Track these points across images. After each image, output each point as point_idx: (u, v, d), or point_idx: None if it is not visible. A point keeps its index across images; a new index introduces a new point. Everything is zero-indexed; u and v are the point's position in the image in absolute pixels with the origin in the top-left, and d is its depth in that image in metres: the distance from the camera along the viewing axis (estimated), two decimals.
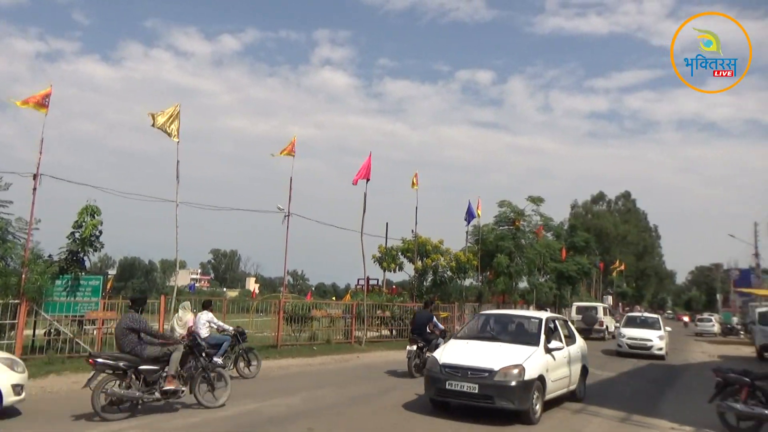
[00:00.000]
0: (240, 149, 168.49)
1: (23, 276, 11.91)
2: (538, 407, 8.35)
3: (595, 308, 30.90)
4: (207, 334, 11.45)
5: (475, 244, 29.44)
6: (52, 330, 12.95)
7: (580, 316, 29.54)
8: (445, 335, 13.59)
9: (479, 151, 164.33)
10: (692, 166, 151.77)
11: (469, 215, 27.29)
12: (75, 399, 8.56)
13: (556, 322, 10.31)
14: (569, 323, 11.17)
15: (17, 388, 7.64)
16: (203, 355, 8.83)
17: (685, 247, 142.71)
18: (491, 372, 8.03)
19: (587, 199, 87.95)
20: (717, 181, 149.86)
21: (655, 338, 20.16)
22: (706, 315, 48.90)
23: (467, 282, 29.76)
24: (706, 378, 10.75)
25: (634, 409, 10.04)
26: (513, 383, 7.93)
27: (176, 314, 12.38)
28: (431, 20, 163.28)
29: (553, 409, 9.76)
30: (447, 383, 8.25)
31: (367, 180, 19.76)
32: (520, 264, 31.26)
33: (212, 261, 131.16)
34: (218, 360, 10.69)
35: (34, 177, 12.25)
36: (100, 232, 13.92)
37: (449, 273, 27.36)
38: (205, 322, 11.72)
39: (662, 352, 20.05)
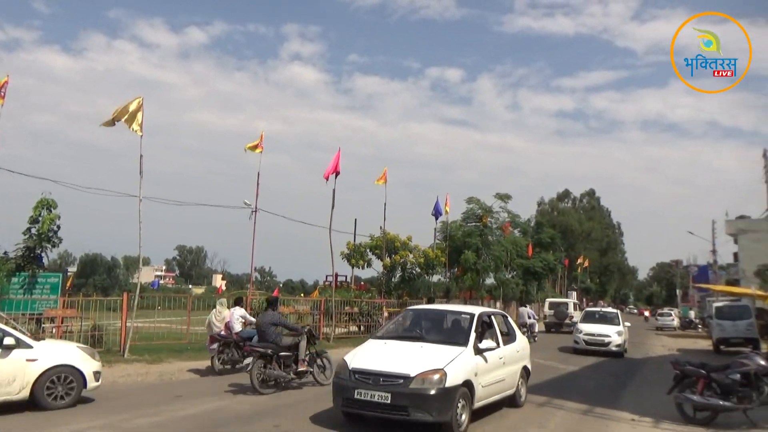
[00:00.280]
0: (206, 144, 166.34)
1: None
2: (463, 418, 7.26)
3: (566, 304, 32.72)
4: (240, 329, 12.23)
5: (443, 241, 29.65)
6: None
7: (552, 311, 31.13)
8: None
9: (448, 148, 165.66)
10: (655, 165, 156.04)
11: (437, 212, 27.45)
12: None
13: (493, 318, 9.05)
14: (508, 319, 9.92)
15: (97, 375, 8.80)
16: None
17: (646, 244, 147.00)
18: (406, 378, 6.94)
19: (553, 197, 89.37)
20: (678, 180, 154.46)
21: (613, 334, 19.08)
22: (666, 310, 50.21)
23: (435, 278, 30.01)
24: (665, 371, 11.05)
25: (596, 402, 10.26)
26: (432, 391, 6.84)
27: (214, 310, 12.95)
28: (401, 17, 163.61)
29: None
30: (356, 392, 7.11)
31: (337, 174, 19.66)
32: (487, 260, 31.65)
33: (177, 257, 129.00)
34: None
35: None
36: (58, 227, 13.48)
37: (417, 269, 27.51)
38: (239, 318, 12.49)
39: (620, 349, 19.05)
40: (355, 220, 27.41)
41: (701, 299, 49.61)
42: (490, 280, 34.90)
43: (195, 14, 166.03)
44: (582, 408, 9.74)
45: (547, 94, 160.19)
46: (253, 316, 12.59)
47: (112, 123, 13.67)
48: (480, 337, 8.08)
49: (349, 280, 27.19)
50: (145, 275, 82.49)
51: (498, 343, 8.49)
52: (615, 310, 23.17)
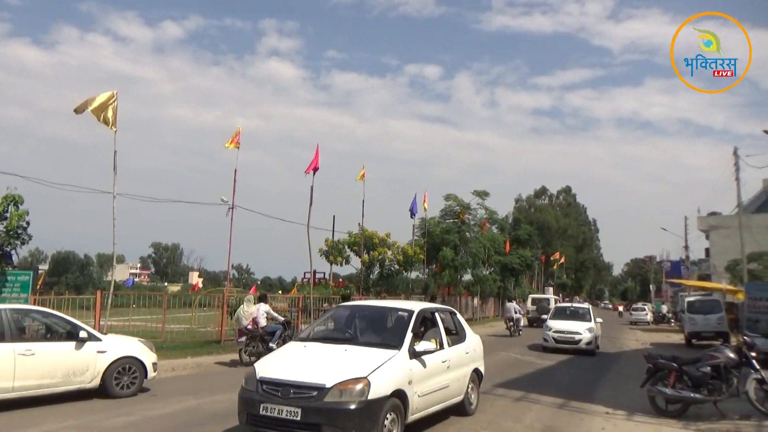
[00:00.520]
0: (182, 140, 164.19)
1: None
2: None
3: (548, 299, 34.28)
4: (265, 323, 13.46)
5: (421, 237, 29.74)
6: None
7: (534, 307, 32.25)
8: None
9: (426, 144, 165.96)
10: (629, 162, 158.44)
11: (413, 209, 27.54)
12: None
13: (437, 315, 7.93)
14: (457, 316, 8.76)
15: (155, 366, 9.66)
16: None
17: (621, 240, 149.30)
18: (321, 390, 5.84)
19: (530, 194, 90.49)
20: (652, 177, 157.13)
21: (584, 331, 18.16)
22: (639, 305, 51.10)
23: (413, 275, 30.11)
24: (638, 364, 11.24)
25: (571, 396, 10.39)
26: (351, 405, 5.80)
27: (242, 306, 14.01)
28: (380, 14, 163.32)
29: (492, 397, 10.01)
30: (262, 406, 5.99)
31: (315, 171, 19.56)
32: (465, 257, 31.83)
33: (153, 255, 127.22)
34: (273, 345, 12.68)
35: None
36: (28, 224, 13.13)
37: (396, 266, 27.56)
38: (264, 313, 13.55)
39: (591, 347, 18.15)
40: (334, 216, 27.34)
41: (674, 294, 50.60)
42: (467, 277, 35.13)
43: (170, 8, 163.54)
44: (557, 402, 9.86)
45: (524, 91, 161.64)
46: (231, 314, 13.12)
47: (82, 110, 13.49)
48: (419, 338, 7.15)
49: (327, 276, 27.14)
50: (120, 273, 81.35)
51: (442, 344, 7.48)
52: (587, 306, 22.44)
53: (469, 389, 8.27)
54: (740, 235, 27.35)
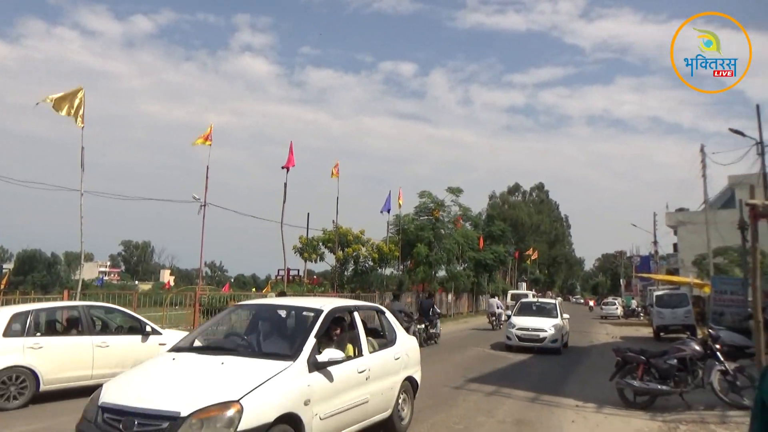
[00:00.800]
0: (153, 136, 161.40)
1: None
2: None
3: (526, 295, 35.26)
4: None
5: (396, 234, 29.78)
6: None
7: (514, 302, 32.72)
8: (439, 316, 19.39)
9: (401, 141, 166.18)
10: (600, 159, 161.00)
11: (387, 206, 27.58)
12: None
13: (356, 315, 6.59)
14: (386, 315, 7.45)
15: None
16: None
17: (592, 236, 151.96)
18: (174, 419, 4.45)
19: (504, 190, 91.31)
20: (622, 174, 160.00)
21: (549, 328, 17.10)
22: (610, 299, 51.97)
23: (388, 271, 30.15)
24: (608, 358, 11.45)
25: (543, 390, 10.53)
26: None
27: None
28: (355, 10, 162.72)
29: (465, 392, 10.10)
30: None
31: (288, 169, 19.47)
32: (439, 253, 31.97)
33: (123, 253, 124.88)
34: None
35: None
36: None
37: (370, 263, 27.56)
38: None
39: (557, 345, 17.02)
40: (308, 213, 27.16)
41: (643, 288, 51.62)
42: (442, 273, 35.29)
43: (141, 2, 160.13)
44: (529, 396, 9.99)
45: (498, 89, 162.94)
46: (204, 312, 12.78)
47: (45, 101, 13.21)
48: (325, 344, 5.81)
49: (301, 274, 26.99)
50: (88, 272, 79.67)
51: (360, 351, 6.26)
52: (553, 301, 21.51)
53: (399, 402, 6.95)
54: (707, 230, 28.06)
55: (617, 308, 44.65)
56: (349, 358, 6.02)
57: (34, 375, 8.63)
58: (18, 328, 8.85)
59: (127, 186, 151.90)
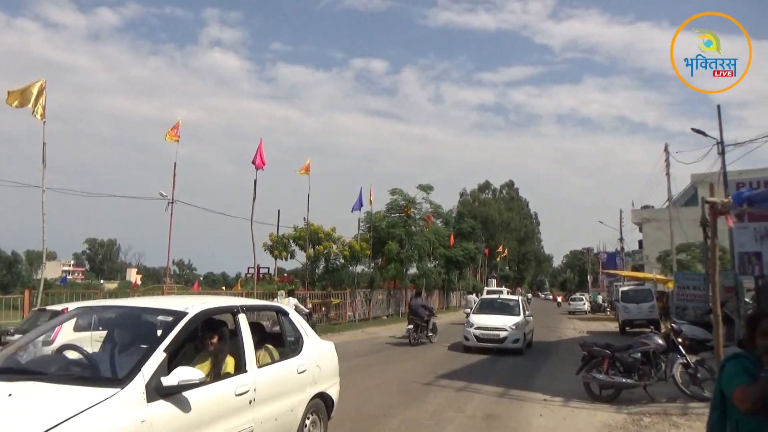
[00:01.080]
0: (120, 132, 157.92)
1: None
2: None
3: (501, 291, 34.88)
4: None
5: (367, 232, 29.78)
6: None
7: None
8: (433, 314, 19.32)
9: (372, 138, 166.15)
10: (569, 157, 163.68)
11: (359, 204, 27.57)
12: None
13: (240, 318, 4.98)
14: (290, 317, 6.04)
15: None
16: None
17: (561, 233, 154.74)
18: None
19: (474, 188, 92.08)
20: (590, 171, 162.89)
21: (510, 327, 15.76)
22: (577, 295, 52.96)
23: (359, 269, 30.14)
24: (575, 352, 11.65)
25: (512, 385, 10.67)
26: None
27: (276, 300, 16.24)
28: (326, 6, 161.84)
29: (436, 388, 10.18)
30: None
31: (258, 166, 19.31)
32: (410, 250, 32.08)
33: (88, 251, 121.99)
34: None
35: None
36: None
37: (341, 260, 27.51)
38: (293, 306, 15.05)
39: (518, 345, 15.68)
40: (279, 211, 27.01)
41: (610, 284, 52.68)
42: (413, 270, 35.47)
43: None
44: (498, 391, 10.10)
45: (469, 87, 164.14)
46: None
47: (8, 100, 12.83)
48: (190, 359, 4.73)
49: (272, 271, 26.79)
50: (51, 270, 77.67)
51: (242, 366, 4.75)
52: (516, 297, 19.85)
53: (307, 426, 5.59)
54: (670, 227, 28.79)
55: (584, 304, 45.49)
56: (225, 375, 4.61)
57: None
58: (86, 324, 8.58)
59: (92, 183, 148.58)
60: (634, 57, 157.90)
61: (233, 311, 5.10)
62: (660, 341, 9.48)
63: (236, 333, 4.95)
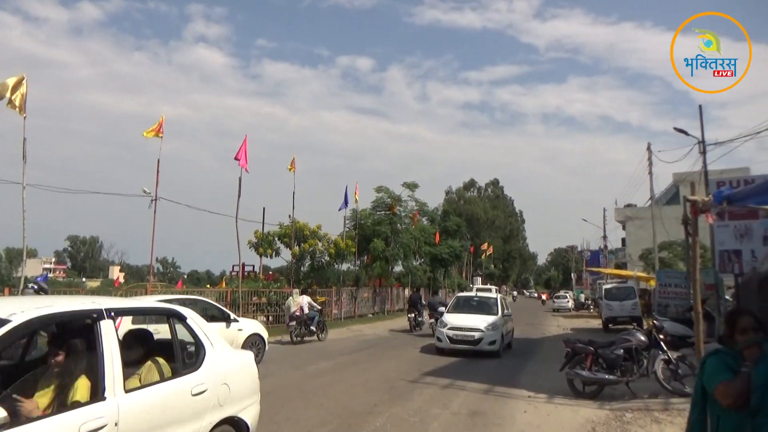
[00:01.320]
0: (102, 128, 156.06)
1: None
2: None
3: (491, 289, 36.10)
4: (308, 311, 17.05)
5: (353, 229, 29.74)
6: None
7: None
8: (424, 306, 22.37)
9: (358, 136, 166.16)
10: (553, 156, 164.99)
11: (345, 202, 27.52)
12: None
13: (103, 326, 3.77)
14: (187, 322, 4.75)
15: (267, 342, 13.05)
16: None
17: (545, 231, 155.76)
18: None
19: (460, 186, 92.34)
20: (574, 170, 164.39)
21: (486, 327, 14.66)
22: (561, 292, 53.34)
23: (345, 267, 30.09)
24: (559, 349, 11.75)
25: (496, 382, 10.74)
26: None
27: (290, 298, 18.09)
28: (312, 3, 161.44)
29: (421, 385, 10.20)
30: None
31: (242, 166, 19.23)
32: (396, 248, 32.09)
33: (69, 249, 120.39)
34: (313, 328, 17.07)
35: None
36: None
37: (327, 258, 27.43)
38: (307, 303, 17.22)
39: (495, 347, 14.52)
40: (264, 208, 26.81)
41: (593, 282, 53.18)
42: (398, 268, 35.48)
43: None
44: (483, 388, 10.16)
45: (455, 86, 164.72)
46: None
47: None
48: (13, 387, 3.47)
49: (257, 269, 26.64)
50: (32, 268, 76.59)
51: (100, 391, 3.57)
52: (494, 295, 18.52)
53: None
54: (652, 225, 29.12)
55: (568, 301, 45.87)
56: (74, 405, 3.44)
57: None
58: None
59: (74, 179, 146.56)
60: (618, 57, 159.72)
61: (91, 317, 3.80)
62: (642, 338, 9.60)
63: (95, 347, 3.69)
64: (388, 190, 33.27)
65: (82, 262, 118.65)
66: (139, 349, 4.29)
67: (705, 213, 6.77)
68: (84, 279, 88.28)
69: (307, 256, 26.98)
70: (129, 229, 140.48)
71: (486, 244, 69.83)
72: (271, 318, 21.46)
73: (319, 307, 18.05)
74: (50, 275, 77.96)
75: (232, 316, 12.35)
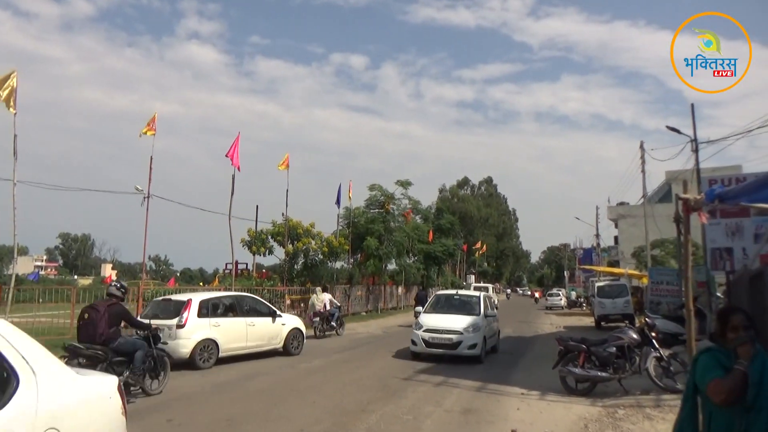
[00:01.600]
0: (94, 125, 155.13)
1: None
2: None
3: (487, 288, 37.50)
4: (330, 308, 18.65)
5: (346, 227, 29.70)
6: None
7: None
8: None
9: (352, 134, 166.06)
10: (546, 154, 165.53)
11: (338, 200, 27.48)
12: None
13: None
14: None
15: (305, 335, 14.67)
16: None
17: (538, 229, 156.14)
18: None
19: (453, 184, 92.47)
20: (567, 168, 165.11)
21: (465, 330, 13.14)
22: (554, 290, 53.49)
23: (338, 265, 30.06)
24: (552, 347, 11.79)
25: (489, 379, 10.76)
26: None
27: (314, 296, 19.36)
28: (305, 0, 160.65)
29: (414, 383, 10.21)
30: None
31: (234, 165, 19.18)
32: (389, 246, 32.09)
33: (61, 246, 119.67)
34: (334, 323, 18.64)
35: None
36: None
37: (320, 256, 27.39)
38: (328, 300, 18.90)
39: (475, 351, 12.99)
40: (257, 206, 26.76)
41: (586, 280, 53.39)
42: (392, 266, 35.49)
43: None
44: (476, 385, 10.17)
45: (449, 84, 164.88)
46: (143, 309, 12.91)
47: None
48: None
49: (250, 267, 26.55)
50: (23, 266, 76.15)
51: None
52: (477, 293, 15.97)
53: None
54: (645, 223, 29.24)
55: (561, 299, 45.97)
56: None
57: (216, 345, 11.83)
58: (205, 311, 11.81)
59: (65, 176, 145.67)
60: (611, 56, 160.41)
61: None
62: (634, 335, 9.64)
63: None
64: (381, 188, 33.26)
65: (74, 259, 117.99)
66: None
67: (697, 211, 6.79)
68: (76, 277, 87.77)
69: (301, 255, 26.90)
70: (121, 226, 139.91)
71: (479, 242, 70.02)
72: None
73: (339, 305, 19.67)
74: (41, 273, 77.52)
75: (277, 312, 13.64)
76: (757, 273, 9.81)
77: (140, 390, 8.61)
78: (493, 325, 15.00)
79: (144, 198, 16.97)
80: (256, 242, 25.05)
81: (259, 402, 8.55)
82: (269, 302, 21.68)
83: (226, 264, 26.22)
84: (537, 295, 65.33)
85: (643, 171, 29.79)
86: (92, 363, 7.70)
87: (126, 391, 7.71)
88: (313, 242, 26.74)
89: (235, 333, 12.31)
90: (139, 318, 10.06)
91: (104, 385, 3.88)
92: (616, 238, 53.44)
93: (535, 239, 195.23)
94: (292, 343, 13.61)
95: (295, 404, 8.34)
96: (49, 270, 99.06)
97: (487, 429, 7.29)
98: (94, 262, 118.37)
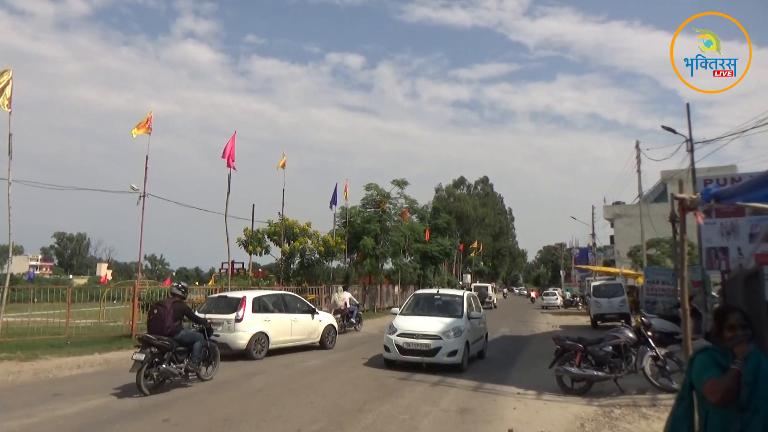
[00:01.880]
0: (90, 124, 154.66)
1: None
2: None
3: (486, 287, 40.02)
4: (349, 305, 20.25)
5: (342, 227, 29.67)
6: None
7: (476, 293, 34.14)
8: None
9: (348, 134, 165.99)
10: (542, 154, 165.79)
11: (334, 200, 27.45)
12: None
13: None
14: None
15: (336, 330, 16.23)
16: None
17: (535, 228, 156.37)
18: None
19: (450, 183, 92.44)
20: (563, 168, 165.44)
21: (444, 334, 11.67)
22: (550, 290, 53.57)
23: (335, 264, 30.04)
24: (548, 346, 11.81)
25: (486, 379, 10.77)
26: None
27: (336, 293, 21.41)
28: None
29: (411, 383, 10.21)
30: None
31: (229, 165, 19.11)
32: (385, 246, 32.08)
33: (56, 246, 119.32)
34: (353, 320, 20.38)
35: None
36: None
37: (317, 255, 27.37)
38: (348, 298, 20.58)
39: (456, 359, 11.55)
40: (253, 206, 26.78)
41: (582, 279, 53.48)
42: (388, 265, 35.49)
43: None
44: (473, 385, 10.18)
45: (445, 83, 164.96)
46: (143, 307, 13.13)
47: None
48: None
49: (246, 267, 26.52)
50: (18, 265, 75.85)
51: None
52: (460, 293, 14.11)
53: None
54: (641, 223, 29.33)
55: (557, 298, 46.08)
56: None
57: (267, 338, 13.11)
58: (257, 307, 13.13)
59: (60, 176, 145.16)
60: (606, 56, 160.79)
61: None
62: (630, 335, 9.67)
63: None
64: (377, 187, 33.24)
65: (69, 259, 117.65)
66: None
67: (693, 210, 6.80)
68: (71, 276, 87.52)
69: (297, 254, 26.88)
70: (117, 225, 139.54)
71: (476, 241, 70.03)
72: None
73: (357, 302, 21.35)
74: (36, 272, 77.26)
75: (316, 309, 14.97)
76: (753, 272, 9.83)
77: (195, 376, 9.62)
78: (479, 328, 13.38)
79: (139, 197, 16.89)
80: (253, 242, 25.02)
81: (255, 402, 8.54)
82: None
83: (222, 263, 26.23)
84: (533, 294, 65.39)
85: (638, 171, 29.87)
86: (161, 351, 8.96)
87: (185, 376, 9.36)
88: (309, 242, 26.72)
89: (282, 327, 13.66)
90: (196, 313, 10.89)
91: None
92: (611, 237, 53.64)
93: (531, 239, 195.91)
94: (327, 338, 15.09)
95: (292, 404, 8.34)
96: (44, 269, 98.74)
97: (483, 428, 7.29)
98: (90, 261, 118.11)
